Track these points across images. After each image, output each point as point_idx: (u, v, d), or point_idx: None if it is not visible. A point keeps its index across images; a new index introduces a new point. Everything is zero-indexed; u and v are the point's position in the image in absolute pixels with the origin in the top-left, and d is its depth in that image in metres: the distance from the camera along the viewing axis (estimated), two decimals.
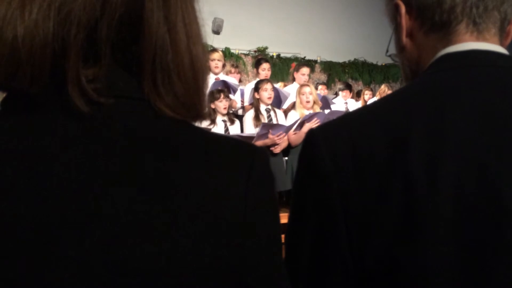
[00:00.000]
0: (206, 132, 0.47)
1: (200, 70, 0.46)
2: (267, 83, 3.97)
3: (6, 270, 0.36)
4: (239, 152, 0.46)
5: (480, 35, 0.58)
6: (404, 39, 0.63)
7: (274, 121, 3.96)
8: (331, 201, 0.54)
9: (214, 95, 3.64)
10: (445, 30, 0.59)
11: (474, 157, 0.50)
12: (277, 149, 3.76)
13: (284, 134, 3.71)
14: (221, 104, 3.69)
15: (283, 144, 3.87)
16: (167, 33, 0.43)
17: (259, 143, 3.47)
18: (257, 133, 3.62)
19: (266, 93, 3.91)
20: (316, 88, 5.15)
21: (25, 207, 0.37)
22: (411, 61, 0.65)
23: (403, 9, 0.62)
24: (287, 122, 3.97)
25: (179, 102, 0.45)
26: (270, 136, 3.67)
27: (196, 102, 0.46)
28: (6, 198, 0.37)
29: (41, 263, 0.36)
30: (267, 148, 3.62)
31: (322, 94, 5.12)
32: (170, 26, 0.43)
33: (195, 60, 0.45)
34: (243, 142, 0.48)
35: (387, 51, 0.71)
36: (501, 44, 0.59)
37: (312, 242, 0.56)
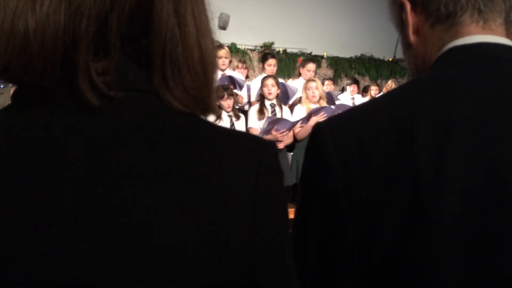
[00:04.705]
0: (215, 125, 0.47)
1: (209, 63, 0.46)
2: (268, 79, 3.98)
3: (15, 260, 0.36)
4: (248, 145, 0.46)
5: (486, 25, 0.58)
6: (411, 36, 0.63)
7: (279, 117, 3.94)
8: (338, 196, 0.54)
9: (218, 93, 3.63)
10: (450, 21, 0.59)
11: (482, 150, 0.50)
12: (280, 145, 3.74)
13: (287, 131, 3.69)
14: (225, 104, 3.70)
15: (288, 139, 3.85)
16: (177, 26, 0.43)
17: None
18: (262, 128, 3.61)
19: (266, 89, 3.91)
20: (323, 84, 5.12)
21: (35, 197, 0.37)
22: (417, 57, 0.65)
23: (408, 6, 0.62)
24: (293, 117, 3.95)
25: (188, 95, 0.45)
26: (273, 132, 3.66)
27: (205, 95, 0.46)
28: (18, 189, 0.37)
29: (51, 254, 0.37)
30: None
31: (327, 90, 5.10)
32: (180, 19, 0.43)
33: (205, 53, 0.45)
34: (252, 136, 0.48)
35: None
36: (508, 37, 0.59)
37: (319, 236, 0.56)
